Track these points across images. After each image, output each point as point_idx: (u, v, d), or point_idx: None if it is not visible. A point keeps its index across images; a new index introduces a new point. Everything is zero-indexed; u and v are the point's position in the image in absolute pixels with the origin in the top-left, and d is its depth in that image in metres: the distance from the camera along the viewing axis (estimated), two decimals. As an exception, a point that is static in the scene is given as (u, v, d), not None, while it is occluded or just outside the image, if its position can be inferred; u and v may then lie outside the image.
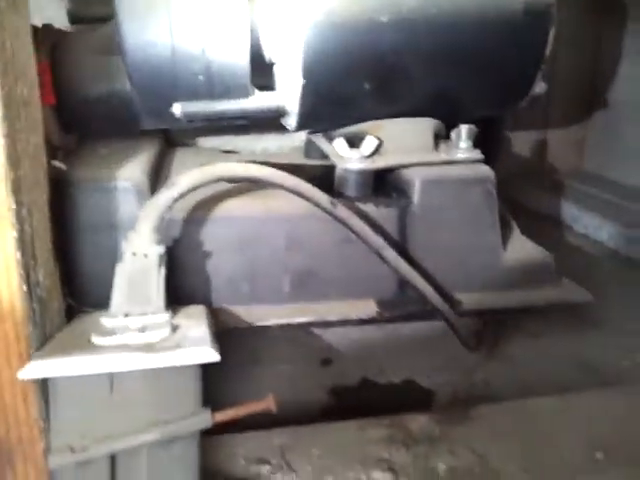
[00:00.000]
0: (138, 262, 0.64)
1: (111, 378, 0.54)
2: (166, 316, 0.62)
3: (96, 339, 0.56)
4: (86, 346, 0.56)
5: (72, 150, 0.88)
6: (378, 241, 0.86)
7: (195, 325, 0.62)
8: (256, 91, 0.89)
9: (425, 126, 0.95)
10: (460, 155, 0.93)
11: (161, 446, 0.56)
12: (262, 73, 0.93)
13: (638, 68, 1.84)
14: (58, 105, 0.89)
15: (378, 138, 0.92)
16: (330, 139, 0.98)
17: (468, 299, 0.94)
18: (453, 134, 0.94)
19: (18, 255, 0.52)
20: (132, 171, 0.82)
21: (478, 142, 0.97)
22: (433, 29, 0.84)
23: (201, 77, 0.85)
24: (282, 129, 1.02)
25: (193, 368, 0.56)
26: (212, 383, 0.60)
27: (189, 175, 0.70)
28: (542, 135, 2.09)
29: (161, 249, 0.66)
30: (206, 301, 0.80)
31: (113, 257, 0.75)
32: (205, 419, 0.56)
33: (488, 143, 1.02)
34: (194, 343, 0.56)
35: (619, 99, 1.95)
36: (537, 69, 0.92)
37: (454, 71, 0.90)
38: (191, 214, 0.81)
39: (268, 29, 0.87)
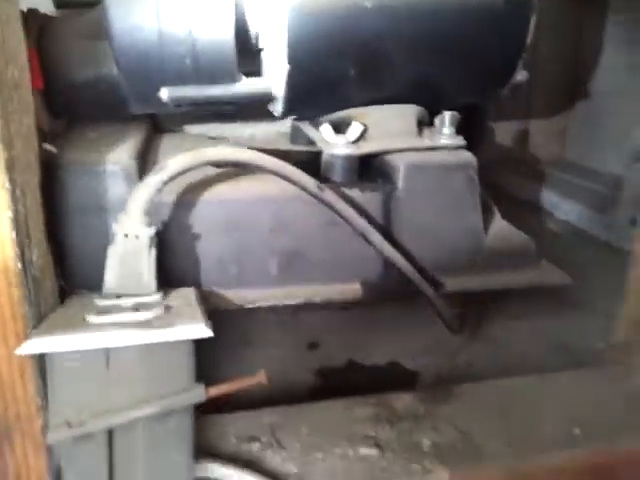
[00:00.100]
0: (130, 244, 0.65)
1: (107, 354, 0.56)
2: (158, 296, 0.64)
3: (91, 318, 0.57)
4: (82, 324, 0.57)
5: (61, 134, 0.89)
6: (364, 224, 0.87)
7: (186, 305, 0.63)
8: (243, 77, 0.91)
9: (409, 112, 0.97)
10: (443, 141, 0.95)
11: (157, 420, 0.57)
12: (249, 59, 0.94)
13: (619, 58, 1.87)
14: (46, 90, 0.90)
15: (363, 124, 0.93)
16: (316, 125, 1.00)
17: (451, 281, 0.96)
18: (437, 120, 0.96)
19: (13, 234, 0.53)
20: (120, 155, 0.83)
21: (461, 129, 0.99)
22: (416, 16, 0.86)
23: (188, 61, 0.85)
24: (268, 116, 1.03)
25: (187, 344, 0.58)
26: (199, 365, 0.62)
27: (179, 159, 0.71)
28: (524, 124, 2.12)
29: (152, 231, 0.67)
30: (195, 283, 0.81)
31: (102, 239, 0.76)
32: (199, 393, 0.58)
33: (471, 130, 1.04)
34: (187, 320, 0.58)
35: (600, 89, 1.98)
36: (518, 57, 0.94)
37: (436, 58, 0.91)
38: (180, 197, 0.82)
39: (254, 15, 0.88)
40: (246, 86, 0.90)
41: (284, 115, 0.97)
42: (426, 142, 0.95)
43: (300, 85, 0.88)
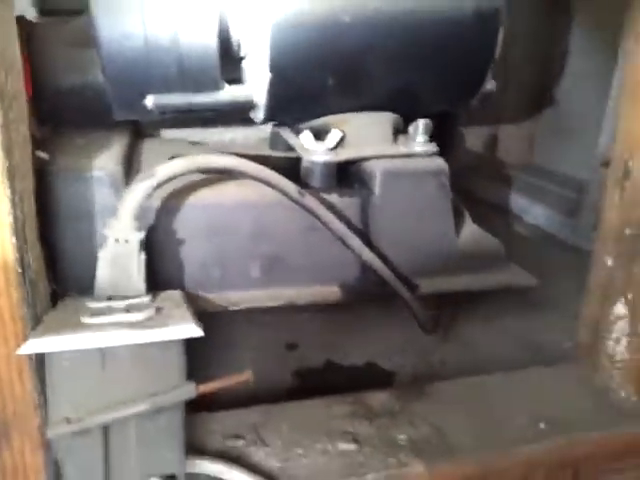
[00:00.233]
0: (120, 248, 0.67)
1: (102, 354, 0.58)
2: (147, 298, 0.66)
3: (86, 319, 0.60)
4: (78, 325, 0.59)
5: (48, 141, 0.90)
6: (342, 229, 0.91)
7: (176, 306, 0.66)
8: (225, 85, 0.93)
9: (385, 120, 1.00)
10: (417, 148, 0.98)
11: (149, 417, 0.59)
12: (231, 67, 0.97)
13: (586, 65, 1.93)
14: (33, 96, 0.91)
15: (342, 131, 0.96)
16: (296, 131, 1.03)
17: (425, 283, 0.99)
18: (411, 128, 0.99)
19: (13, 239, 0.56)
20: (107, 161, 0.85)
21: (434, 135, 1.02)
22: (391, 29, 0.89)
23: (173, 70, 0.88)
24: (248, 121, 1.06)
25: (178, 344, 0.60)
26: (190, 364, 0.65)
27: (168, 165, 0.74)
28: (494, 130, 2.17)
29: (141, 235, 0.69)
30: (180, 286, 0.83)
31: (91, 243, 0.78)
32: (190, 390, 0.60)
33: (443, 136, 1.08)
34: (178, 321, 0.61)
35: (568, 95, 2.04)
36: (487, 68, 0.98)
37: (411, 69, 0.95)
38: (165, 202, 0.84)
39: (236, 24, 0.91)
40: (229, 94, 0.93)
41: (265, 121, 1.00)
42: (401, 149, 0.99)
43: (281, 93, 0.91)
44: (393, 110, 1.00)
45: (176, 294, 0.72)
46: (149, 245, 0.78)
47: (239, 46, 0.94)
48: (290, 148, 1.04)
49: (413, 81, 0.96)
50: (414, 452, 0.79)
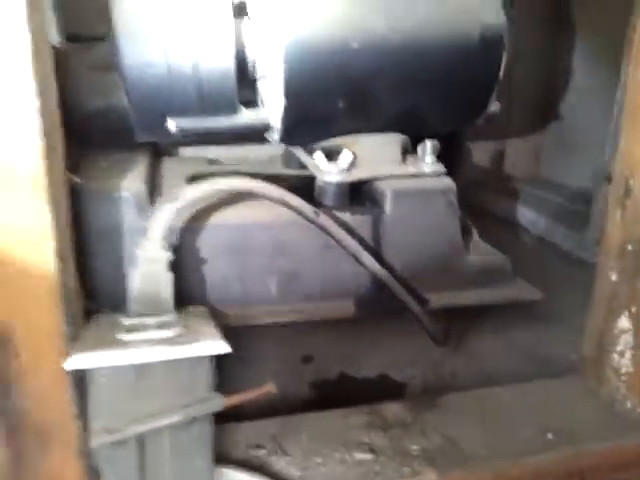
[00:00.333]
0: (150, 267, 0.71)
1: (138, 368, 0.62)
2: (176, 315, 0.70)
3: (122, 336, 0.64)
4: (115, 341, 0.63)
5: (74, 162, 0.94)
6: (355, 246, 0.94)
7: (203, 323, 0.70)
8: (243, 108, 0.98)
9: (394, 141, 1.04)
10: (426, 169, 1.02)
11: (181, 427, 0.63)
12: (246, 90, 1.02)
13: (590, 81, 1.97)
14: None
15: (353, 152, 0.99)
16: (309, 151, 1.06)
17: (435, 298, 1.02)
18: (419, 149, 1.03)
19: (56, 258, 0.60)
20: (132, 182, 0.89)
21: (441, 152, 1.06)
22: (398, 56, 0.93)
23: (193, 95, 0.92)
24: (260, 140, 1.09)
25: (207, 359, 0.64)
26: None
27: (194, 188, 0.78)
28: (500, 145, 2.20)
29: (170, 254, 0.74)
30: (202, 302, 0.86)
31: (118, 260, 0.82)
32: (218, 403, 0.64)
33: (449, 152, 1.11)
34: (207, 337, 0.64)
35: (573, 110, 2.07)
36: (491, 91, 1.02)
37: (418, 93, 0.99)
38: (188, 223, 0.88)
39: (253, 51, 0.96)
40: (245, 117, 0.97)
41: (280, 142, 1.04)
42: (410, 169, 1.02)
43: (295, 117, 0.95)
44: (401, 131, 1.03)
45: (202, 310, 0.76)
46: (174, 263, 0.82)
47: (254, 70, 0.98)
48: (303, 166, 1.08)
49: (420, 104, 1.00)
50: (427, 461, 0.81)
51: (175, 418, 0.62)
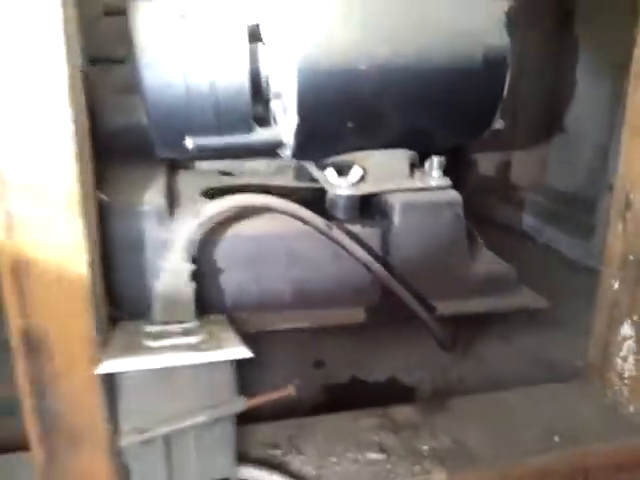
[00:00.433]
0: (173, 277, 0.76)
1: (166, 372, 0.66)
2: (197, 323, 0.75)
3: (149, 342, 0.68)
4: (143, 347, 0.68)
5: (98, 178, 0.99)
6: (365, 256, 0.98)
7: (224, 330, 0.74)
8: (257, 127, 1.02)
9: (402, 156, 1.08)
10: (433, 182, 1.06)
11: (205, 428, 0.67)
12: (260, 108, 1.06)
13: (592, 91, 2.00)
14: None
15: (363, 167, 1.04)
16: (320, 166, 1.11)
17: (442, 305, 1.06)
18: (427, 164, 1.07)
19: (89, 272, 0.65)
20: (153, 196, 0.94)
21: (448, 165, 1.10)
22: (405, 77, 0.98)
23: (210, 115, 0.97)
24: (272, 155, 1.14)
25: (230, 363, 0.68)
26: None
27: (214, 204, 0.83)
28: (506, 155, 2.24)
29: (191, 266, 0.78)
30: (220, 309, 0.91)
31: (139, 270, 0.87)
32: (240, 404, 0.68)
33: (455, 167, 1.15)
34: (230, 343, 0.69)
35: (577, 120, 2.10)
36: (495, 109, 1.06)
37: (424, 112, 1.03)
38: (207, 235, 0.92)
39: (266, 73, 1.01)
40: (259, 135, 1.02)
41: (292, 158, 1.08)
42: (418, 183, 1.06)
43: (307, 135, 0.99)
44: (409, 147, 1.07)
45: (221, 318, 0.81)
46: (194, 273, 0.86)
47: (268, 90, 1.03)
48: (313, 178, 1.13)
49: (426, 122, 1.04)
50: (437, 461, 0.85)
51: (200, 419, 0.66)
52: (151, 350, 0.67)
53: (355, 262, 0.99)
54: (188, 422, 0.66)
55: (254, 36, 0.97)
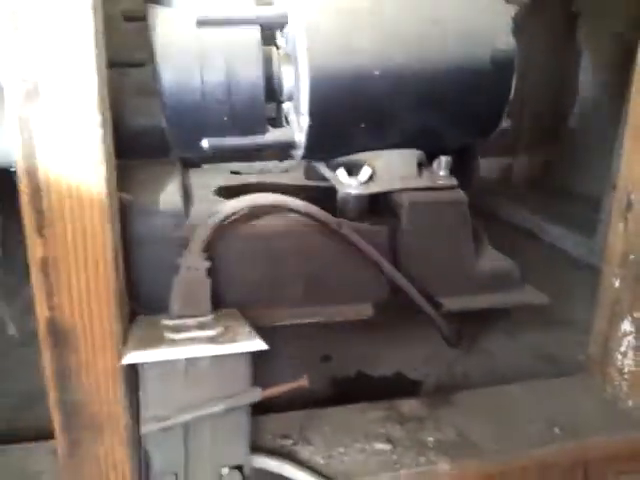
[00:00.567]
0: (191, 274, 0.80)
1: (185, 363, 0.70)
2: (213, 317, 0.79)
3: (169, 335, 0.72)
4: (164, 340, 0.71)
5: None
6: (374, 254, 1.01)
7: (239, 324, 0.78)
8: (270, 128, 1.06)
9: (410, 156, 1.10)
10: (440, 182, 1.08)
11: (221, 417, 0.71)
12: (272, 110, 1.10)
13: (598, 92, 2.02)
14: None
15: (372, 167, 1.06)
16: (330, 165, 1.14)
17: (448, 302, 1.08)
18: (434, 164, 1.10)
19: (114, 269, 0.68)
20: (170, 196, 0.97)
21: (454, 163, 1.12)
22: (416, 81, 1.01)
23: (226, 117, 1.00)
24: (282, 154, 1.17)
25: (246, 355, 0.72)
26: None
27: (230, 204, 0.86)
28: (512, 154, 2.27)
29: (208, 264, 0.82)
30: (232, 304, 0.93)
31: (156, 267, 0.90)
32: (256, 394, 0.72)
33: (463, 164, 1.18)
34: (246, 336, 0.73)
35: (583, 118, 2.13)
36: (503, 110, 1.08)
37: (433, 113, 1.05)
38: (221, 232, 0.95)
39: (280, 76, 1.04)
40: (272, 136, 1.05)
41: (303, 158, 1.12)
42: (425, 182, 1.08)
43: (319, 136, 1.02)
44: (419, 148, 1.10)
45: (235, 312, 0.84)
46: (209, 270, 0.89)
47: (281, 92, 1.06)
48: (323, 178, 1.16)
49: (435, 124, 1.07)
50: (441, 452, 0.88)
51: (218, 408, 0.70)
52: (172, 342, 0.71)
53: (364, 259, 1.02)
54: (206, 411, 0.70)
55: (268, 40, 1.00)
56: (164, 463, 0.72)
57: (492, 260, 1.15)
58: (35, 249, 0.66)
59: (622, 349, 1.02)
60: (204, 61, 0.96)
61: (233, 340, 0.71)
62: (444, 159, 1.08)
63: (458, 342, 1.15)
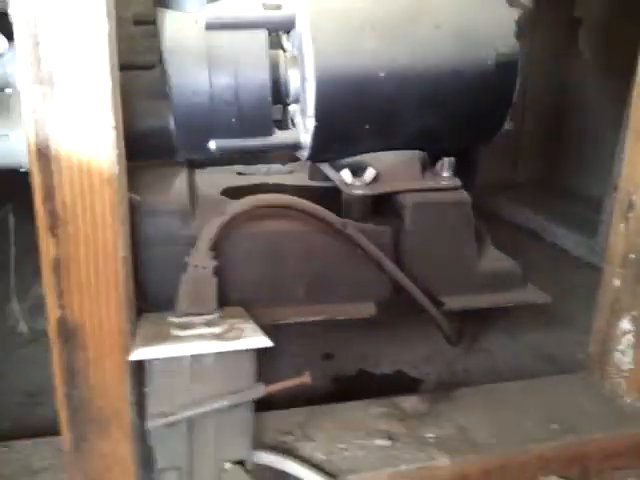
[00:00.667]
0: (198, 273, 0.82)
1: (191, 360, 0.71)
2: (218, 314, 0.80)
3: (176, 332, 0.74)
4: (172, 336, 0.73)
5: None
6: (377, 253, 1.03)
7: (244, 321, 0.79)
8: (276, 130, 1.08)
9: (414, 158, 1.12)
10: (443, 183, 1.10)
11: (225, 412, 0.72)
12: (279, 112, 1.12)
13: (600, 92, 2.04)
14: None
15: (376, 168, 1.08)
16: (334, 166, 1.16)
17: (450, 301, 1.10)
18: (437, 165, 1.11)
19: (123, 268, 0.70)
20: (178, 196, 0.99)
21: (457, 164, 1.14)
22: (421, 82, 1.02)
23: (233, 120, 1.02)
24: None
25: (251, 352, 0.73)
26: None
27: (237, 204, 0.88)
28: (515, 155, 2.28)
29: (215, 263, 0.84)
30: (237, 302, 0.94)
31: (163, 266, 0.92)
32: (260, 390, 0.73)
33: (466, 165, 1.20)
34: (251, 333, 0.74)
35: (585, 120, 2.14)
36: (506, 112, 1.10)
37: (437, 115, 1.07)
38: (227, 231, 0.97)
39: (287, 79, 1.06)
40: (279, 137, 1.07)
41: (309, 159, 1.14)
42: (429, 183, 1.10)
43: (324, 137, 1.04)
44: (423, 149, 1.11)
45: (240, 310, 0.86)
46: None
47: (287, 95, 1.08)
48: (327, 179, 1.17)
49: (439, 126, 1.08)
50: (441, 448, 0.89)
51: (222, 403, 0.71)
52: (180, 339, 0.73)
53: (367, 258, 1.03)
54: (211, 407, 0.71)
55: (274, 43, 1.02)
56: (168, 458, 0.74)
57: (494, 260, 1.17)
58: (48, 249, 0.68)
59: (621, 347, 1.03)
60: (212, 64, 0.98)
61: (238, 337, 0.72)
62: (447, 160, 1.10)
63: (459, 341, 1.17)
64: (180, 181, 1.08)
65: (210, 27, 0.97)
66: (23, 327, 1.27)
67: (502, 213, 2.10)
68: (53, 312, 0.71)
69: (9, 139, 0.83)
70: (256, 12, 1.02)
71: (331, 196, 1.13)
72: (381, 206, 1.10)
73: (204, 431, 0.74)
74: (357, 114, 1.03)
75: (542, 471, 0.93)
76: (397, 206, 1.09)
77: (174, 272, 0.86)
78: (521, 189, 2.25)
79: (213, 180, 1.27)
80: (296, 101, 1.06)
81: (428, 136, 1.10)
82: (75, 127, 0.66)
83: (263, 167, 1.41)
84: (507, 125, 1.15)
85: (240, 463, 0.77)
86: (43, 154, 0.66)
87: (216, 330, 0.74)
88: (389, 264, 1.03)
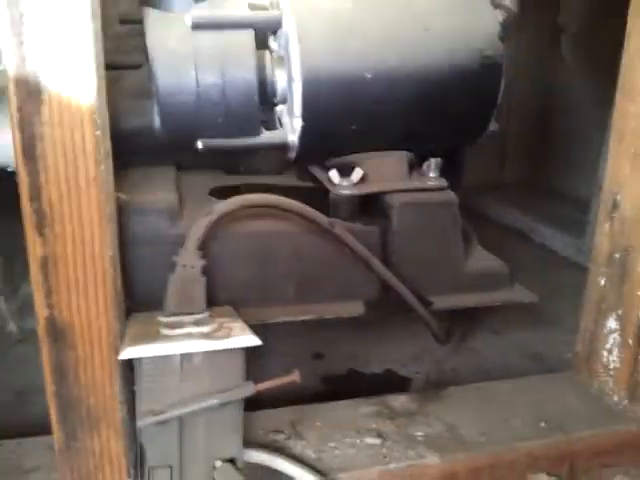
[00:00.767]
0: (186, 272, 0.81)
1: (181, 359, 0.71)
2: (207, 314, 0.80)
3: (165, 331, 0.74)
4: (161, 335, 0.73)
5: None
6: (366, 253, 1.03)
7: (233, 321, 0.80)
8: (264, 130, 1.08)
9: (401, 158, 1.12)
10: (430, 183, 1.10)
11: (215, 411, 0.72)
12: (266, 112, 1.12)
13: (585, 93, 2.06)
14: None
15: (364, 168, 1.08)
16: (323, 167, 1.16)
17: (438, 300, 1.10)
18: (424, 166, 1.12)
19: (111, 268, 0.70)
20: (166, 196, 0.99)
21: (444, 170, 1.14)
22: (408, 83, 1.03)
23: (220, 119, 1.02)
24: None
25: (240, 351, 0.73)
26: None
27: (225, 203, 0.88)
28: (502, 156, 2.30)
29: (203, 262, 0.84)
30: (226, 301, 0.93)
31: (151, 265, 0.92)
32: (249, 389, 0.73)
33: (452, 170, 1.21)
34: (240, 332, 0.74)
35: (571, 121, 2.16)
36: (491, 113, 1.11)
37: (423, 116, 1.08)
38: (215, 231, 0.97)
39: (274, 79, 1.06)
40: (266, 137, 1.07)
41: (296, 160, 1.14)
42: (416, 184, 1.10)
43: (311, 138, 1.04)
44: (409, 150, 1.12)
45: (229, 309, 0.86)
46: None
47: (274, 95, 1.08)
48: (315, 179, 1.18)
49: (426, 127, 1.09)
50: (430, 446, 0.90)
51: (212, 402, 0.71)
52: (169, 338, 0.72)
53: (355, 258, 1.04)
54: (201, 405, 0.71)
55: (262, 44, 1.02)
56: (159, 456, 0.74)
57: (482, 260, 1.18)
58: (35, 248, 0.68)
59: (608, 346, 1.04)
60: (199, 63, 0.98)
61: (227, 336, 0.72)
62: (434, 161, 1.11)
63: (447, 340, 1.18)
64: (168, 181, 1.08)
65: (197, 27, 0.97)
66: (12, 326, 1.27)
67: (489, 213, 2.11)
68: (41, 311, 0.71)
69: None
70: (242, 12, 1.02)
71: (319, 196, 1.13)
72: (369, 206, 1.11)
73: (194, 429, 0.74)
74: (344, 114, 1.03)
75: (531, 469, 0.93)
76: (384, 206, 1.09)
77: (162, 271, 0.85)
78: (508, 190, 2.26)
79: (201, 180, 1.27)
80: (283, 101, 1.07)
81: (414, 136, 1.11)
82: (61, 126, 0.66)
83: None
84: (492, 126, 1.16)
85: (231, 461, 0.77)
86: (29, 153, 0.66)
87: (205, 329, 0.74)
88: (377, 264, 1.03)
